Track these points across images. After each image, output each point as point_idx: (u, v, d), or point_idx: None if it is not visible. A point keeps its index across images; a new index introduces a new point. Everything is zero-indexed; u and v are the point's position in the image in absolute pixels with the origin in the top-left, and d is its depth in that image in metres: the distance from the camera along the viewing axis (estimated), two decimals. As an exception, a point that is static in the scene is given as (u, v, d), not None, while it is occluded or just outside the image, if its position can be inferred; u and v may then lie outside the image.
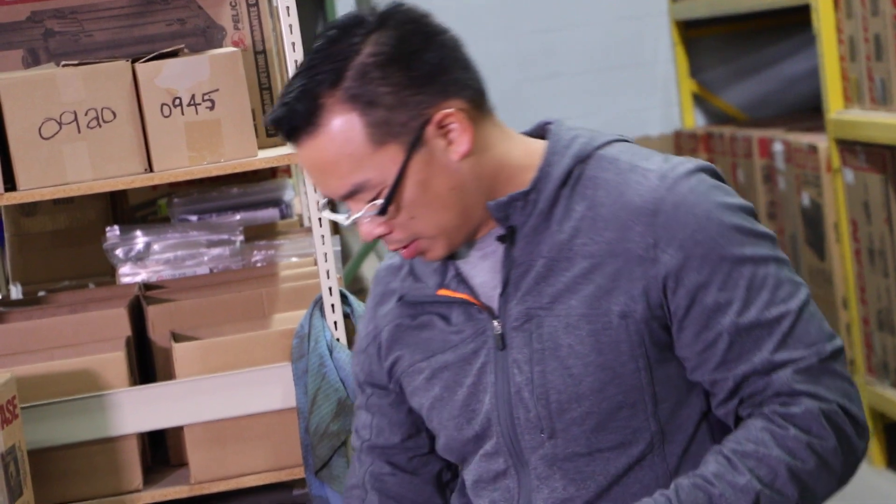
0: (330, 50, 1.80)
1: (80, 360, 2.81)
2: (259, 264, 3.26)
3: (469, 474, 1.96)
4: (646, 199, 1.81)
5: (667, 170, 1.84)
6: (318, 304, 2.85)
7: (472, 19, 5.86)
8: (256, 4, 3.04)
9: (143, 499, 2.83)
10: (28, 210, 3.56)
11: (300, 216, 3.67)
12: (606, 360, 1.82)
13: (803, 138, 4.65)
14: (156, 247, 3.24)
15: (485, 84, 1.86)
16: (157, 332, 2.93)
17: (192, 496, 2.87)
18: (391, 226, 1.84)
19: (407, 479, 2.05)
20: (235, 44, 3.04)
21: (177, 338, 2.89)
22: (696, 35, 5.95)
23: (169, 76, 2.80)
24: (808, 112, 5.50)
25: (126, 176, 2.80)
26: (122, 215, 3.65)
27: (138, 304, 3.00)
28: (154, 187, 3.66)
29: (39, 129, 2.78)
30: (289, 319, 2.92)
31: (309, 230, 3.31)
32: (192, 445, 2.84)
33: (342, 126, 1.78)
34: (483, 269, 1.90)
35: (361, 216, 1.83)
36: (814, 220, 4.59)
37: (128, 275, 3.24)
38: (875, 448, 4.39)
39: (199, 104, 2.81)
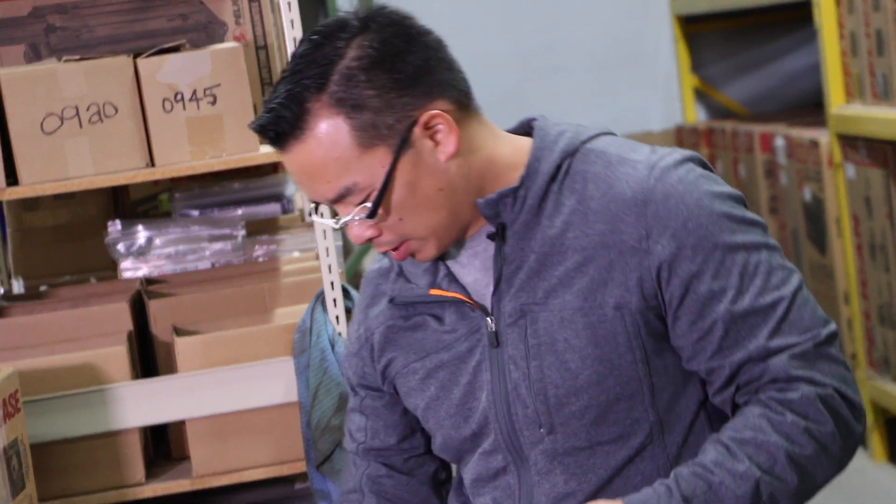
0: (314, 54, 1.80)
1: (81, 354, 2.82)
2: (261, 259, 3.26)
3: (468, 473, 1.96)
4: (636, 191, 1.82)
5: (655, 160, 1.84)
6: (320, 298, 2.85)
7: (472, 17, 5.86)
8: (258, 0, 3.05)
9: (145, 492, 2.84)
10: (30, 205, 3.57)
11: (302, 211, 3.67)
12: (603, 352, 1.83)
13: (805, 133, 4.65)
14: (157, 241, 3.25)
15: (469, 84, 1.86)
16: (159, 326, 2.93)
17: (194, 490, 2.87)
18: (381, 228, 1.84)
19: (404, 480, 2.05)
20: (237, 39, 3.04)
21: (178, 332, 2.89)
22: (697, 30, 5.95)
23: (170, 71, 2.81)
24: (810, 107, 5.50)
25: (127, 171, 2.81)
26: (124, 210, 3.65)
27: (140, 299, 3.01)
28: (155, 182, 3.67)
29: (41, 124, 2.78)
30: (290, 314, 2.92)
31: (310, 225, 3.31)
32: (193, 439, 2.84)
33: (329, 130, 1.79)
34: (474, 268, 1.90)
35: (351, 219, 1.83)
36: (815, 214, 4.59)
37: (129, 269, 3.24)
38: (876, 442, 4.39)
39: (201, 99, 2.82)
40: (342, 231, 2.32)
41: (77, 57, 2.85)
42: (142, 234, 3.24)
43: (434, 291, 1.91)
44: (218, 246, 3.27)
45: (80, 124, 2.79)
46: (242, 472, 2.85)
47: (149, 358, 2.97)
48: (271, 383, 2.83)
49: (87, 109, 2.79)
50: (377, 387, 2.02)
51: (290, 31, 2.81)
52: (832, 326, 1.84)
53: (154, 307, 2.94)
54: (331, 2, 5.45)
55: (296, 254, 3.27)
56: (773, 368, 1.81)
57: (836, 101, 4.32)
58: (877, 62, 4.10)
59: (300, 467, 2.85)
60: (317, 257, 3.01)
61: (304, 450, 2.80)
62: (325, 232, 2.83)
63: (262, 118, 1.82)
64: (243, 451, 2.84)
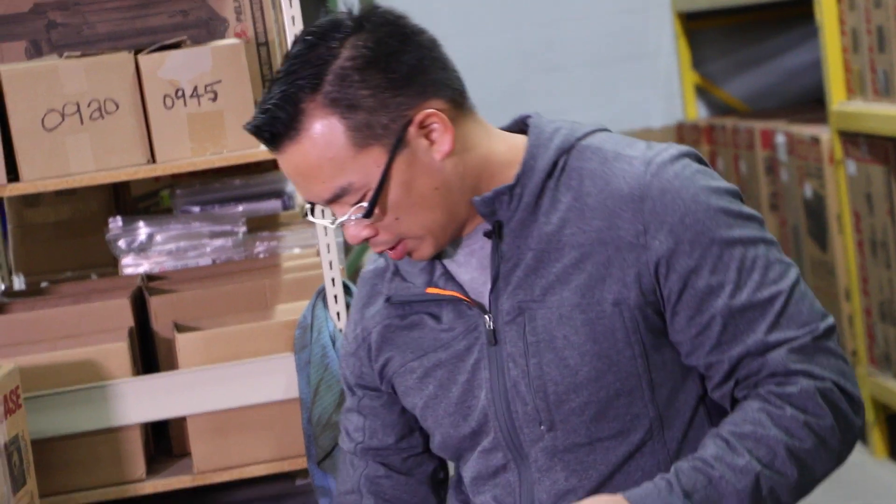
0: (308, 55, 1.80)
1: (83, 350, 2.82)
2: (261, 255, 3.26)
3: (468, 471, 1.96)
4: (632, 186, 1.82)
5: (651, 156, 1.84)
6: (321, 294, 2.86)
7: (473, 15, 5.86)
8: (259, -4, 3.05)
9: (146, 489, 2.84)
10: (31, 201, 3.57)
11: (302, 207, 3.67)
12: (602, 348, 1.83)
13: (806, 130, 4.65)
14: (158, 238, 3.25)
15: (464, 83, 1.86)
16: (160, 322, 2.93)
17: (195, 486, 2.87)
18: (377, 228, 1.84)
19: (402, 480, 2.05)
20: (238, 35, 3.04)
21: (179, 328, 2.90)
22: (698, 27, 5.95)
23: (171, 68, 2.81)
24: (811, 104, 5.50)
25: (129, 167, 2.81)
26: (125, 206, 3.66)
27: (141, 295, 3.01)
28: (156, 179, 3.67)
29: (42, 121, 2.78)
30: (291, 310, 2.93)
31: (311, 221, 3.31)
32: (194, 435, 2.84)
33: (324, 130, 1.78)
34: (470, 266, 1.90)
35: (347, 219, 1.83)
36: (816, 211, 4.60)
37: (130, 266, 3.24)
38: (877, 439, 4.39)
39: (202, 96, 2.82)
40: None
41: (78, 53, 2.85)
42: (143, 230, 3.24)
43: (431, 290, 1.90)
44: (219, 242, 3.27)
45: (81, 121, 2.79)
46: (243, 468, 2.85)
47: (150, 354, 2.97)
48: (272, 379, 2.83)
49: (88, 106, 2.79)
50: (375, 386, 2.01)
51: (291, 28, 2.81)
52: (830, 320, 1.84)
53: (155, 303, 2.94)
54: (332, -2, 5.44)
55: (297, 250, 3.27)
56: (772, 362, 1.81)
57: (837, 98, 4.32)
58: (878, 59, 4.09)
59: (301, 463, 2.85)
60: (318, 253, 3.01)
61: (304, 446, 2.81)
62: (325, 228, 2.83)
63: (257, 119, 1.82)
64: (244, 447, 2.84)
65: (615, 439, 1.86)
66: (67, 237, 3.57)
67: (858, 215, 4.31)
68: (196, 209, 3.49)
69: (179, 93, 2.80)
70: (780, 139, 4.82)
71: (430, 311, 1.92)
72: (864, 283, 4.35)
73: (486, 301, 1.88)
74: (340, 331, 2.83)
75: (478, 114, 1.88)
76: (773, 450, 1.79)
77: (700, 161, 1.88)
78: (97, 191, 3.57)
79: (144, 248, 3.24)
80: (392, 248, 1.86)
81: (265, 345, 2.84)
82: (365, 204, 1.81)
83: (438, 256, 1.91)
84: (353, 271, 4.89)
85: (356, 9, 1.84)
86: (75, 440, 2.81)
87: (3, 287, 3.60)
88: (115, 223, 3.26)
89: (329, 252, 2.84)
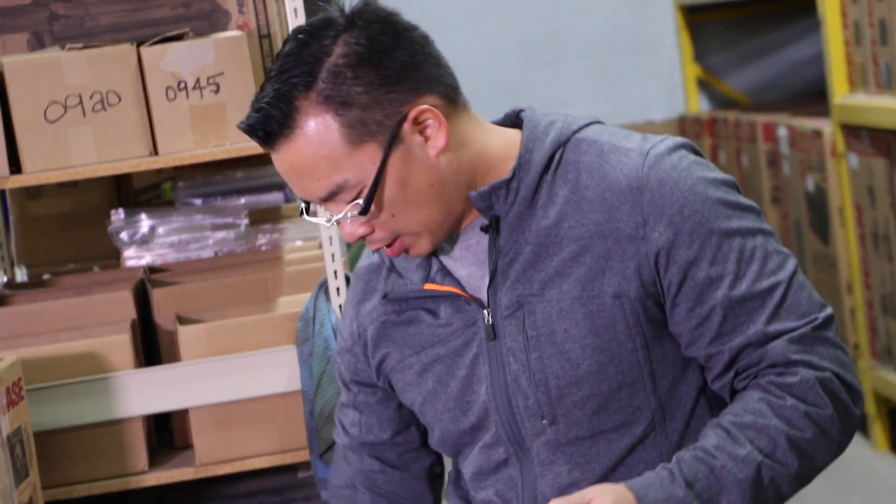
0: (301, 53, 1.80)
1: (85, 342, 2.82)
2: (264, 248, 3.26)
3: (468, 466, 1.95)
4: (630, 179, 1.82)
5: (647, 148, 1.84)
6: (323, 287, 2.86)
7: (473, 6, 5.86)
8: (261, -12, 3.04)
9: (149, 481, 2.84)
10: (33, 193, 3.57)
11: (298, 206, 3.67)
12: (603, 341, 1.83)
13: (808, 123, 4.65)
14: (160, 230, 3.25)
15: (457, 79, 1.86)
16: (162, 315, 2.93)
17: (197, 478, 2.87)
18: (373, 225, 1.83)
19: (397, 475, 2.05)
20: (240, 27, 3.04)
21: (182, 321, 2.90)
22: (700, 20, 5.94)
23: (174, 60, 2.80)
24: (813, 97, 5.50)
25: (131, 159, 2.81)
26: (127, 199, 3.65)
27: (143, 288, 3.01)
28: (158, 171, 3.67)
29: (45, 113, 2.78)
30: (293, 303, 2.92)
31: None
32: (197, 428, 2.84)
33: (318, 128, 1.78)
34: (467, 261, 1.90)
35: (343, 217, 1.83)
36: (818, 204, 4.59)
37: (132, 258, 3.24)
38: (879, 432, 4.39)
39: (204, 88, 2.81)
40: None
41: (80, 45, 2.85)
42: (145, 222, 3.24)
43: (429, 286, 1.90)
44: (221, 235, 3.28)
45: (84, 113, 2.79)
46: (245, 460, 2.86)
47: (152, 346, 2.97)
48: (274, 372, 2.83)
49: (91, 98, 2.79)
50: (371, 382, 2.01)
51: (294, 20, 2.81)
52: (829, 310, 1.85)
53: (157, 296, 2.94)
54: (334, -9, 5.44)
55: (299, 243, 3.27)
56: (772, 353, 1.81)
57: (840, 91, 4.32)
58: (880, 52, 4.09)
59: (303, 456, 2.85)
60: (320, 246, 3.01)
61: (307, 438, 2.81)
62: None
63: (251, 118, 1.82)
64: (246, 439, 2.84)
65: (617, 431, 1.86)
66: (69, 229, 3.57)
67: (860, 208, 4.31)
68: (198, 201, 3.49)
69: (182, 85, 2.80)
70: (783, 132, 4.82)
71: (427, 307, 1.92)
72: (865, 277, 4.35)
73: (484, 296, 1.88)
74: (343, 323, 2.83)
75: (471, 109, 1.88)
76: (773, 440, 1.79)
77: (696, 152, 1.88)
78: (99, 183, 3.57)
79: (146, 241, 3.25)
80: (389, 246, 1.86)
81: (267, 337, 2.84)
82: (360, 201, 1.80)
83: (434, 252, 1.91)
84: (355, 264, 4.89)
85: (348, 6, 1.84)
86: (78, 432, 2.81)
87: (5, 279, 3.59)
88: (118, 215, 3.26)
89: (331, 244, 2.84)
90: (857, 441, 4.25)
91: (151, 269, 3.15)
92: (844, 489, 4.08)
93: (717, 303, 1.81)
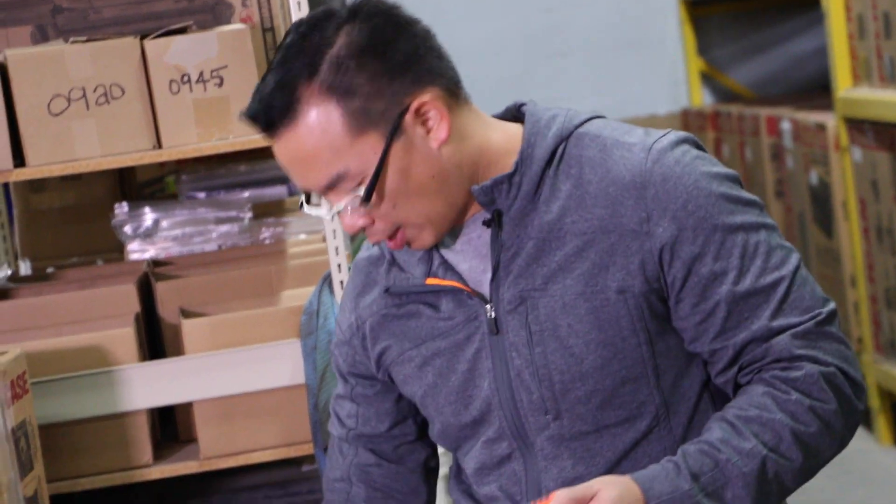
0: (303, 43, 1.80)
1: (89, 335, 2.82)
2: (267, 241, 3.26)
3: (470, 461, 1.95)
4: (634, 174, 1.82)
5: (650, 143, 1.84)
6: (327, 280, 2.85)
7: (477, 1, 5.86)
8: (265, -19, 3.04)
9: (153, 474, 2.84)
10: (36, 186, 3.57)
11: (298, 199, 3.67)
12: (607, 336, 1.83)
13: (811, 117, 4.65)
14: (164, 223, 3.25)
15: (458, 73, 1.86)
16: (166, 308, 2.93)
17: (202, 472, 2.88)
18: (373, 216, 1.83)
19: (393, 469, 2.04)
20: (244, 21, 3.04)
21: (185, 314, 2.90)
22: (703, 13, 5.94)
23: (177, 53, 2.80)
24: (817, 90, 5.50)
25: (134, 152, 2.81)
26: (130, 192, 3.66)
27: (147, 281, 3.01)
28: (161, 164, 3.67)
29: (48, 106, 2.78)
30: (297, 296, 2.93)
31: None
32: (201, 421, 2.84)
33: (320, 116, 1.78)
34: (469, 255, 1.90)
35: (344, 207, 1.82)
36: (822, 198, 4.59)
37: (136, 251, 3.24)
38: (882, 426, 4.39)
39: (208, 81, 2.81)
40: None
41: (84, 38, 2.85)
42: (149, 216, 3.24)
43: (431, 280, 1.90)
44: (224, 228, 3.28)
45: (87, 106, 2.79)
46: (249, 454, 2.86)
47: (156, 340, 2.97)
48: (278, 365, 2.83)
49: (94, 91, 2.79)
50: (369, 375, 2.01)
51: (297, 13, 2.81)
52: (832, 305, 1.85)
53: (161, 289, 2.94)
54: (337, -16, 5.44)
55: (302, 236, 3.27)
56: (777, 348, 1.81)
57: (843, 85, 4.31)
58: (884, 45, 4.09)
59: (307, 449, 2.85)
60: (323, 239, 3.01)
61: (311, 432, 2.81)
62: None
63: (253, 106, 1.82)
64: (250, 433, 2.84)
65: (621, 426, 1.86)
66: (73, 222, 3.57)
67: (864, 202, 4.31)
68: (201, 195, 3.49)
69: (185, 78, 2.80)
70: (786, 126, 4.82)
71: (427, 301, 1.91)
72: (869, 270, 4.35)
73: (486, 290, 1.88)
74: (346, 317, 2.83)
75: (473, 104, 1.88)
76: (778, 434, 1.79)
77: (698, 146, 1.88)
78: (103, 176, 3.57)
79: (150, 234, 3.25)
80: (391, 238, 1.86)
81: (271, 331, 2.85)
82: (363, 188, 1.80)
83: (436, 246, 1.91)
84: (358, 257, 4.88)
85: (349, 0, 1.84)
86: (82, 425, 2.81)
87: (9, 272, 3.59)
88: (121, 209, 3.26)
89: (335, 238, 2.84)
90: (861, 435, 4.25)
91: (155, 263, 3.15)
92: (848, 483, 4.08)
93: (721, 298, 1.81)
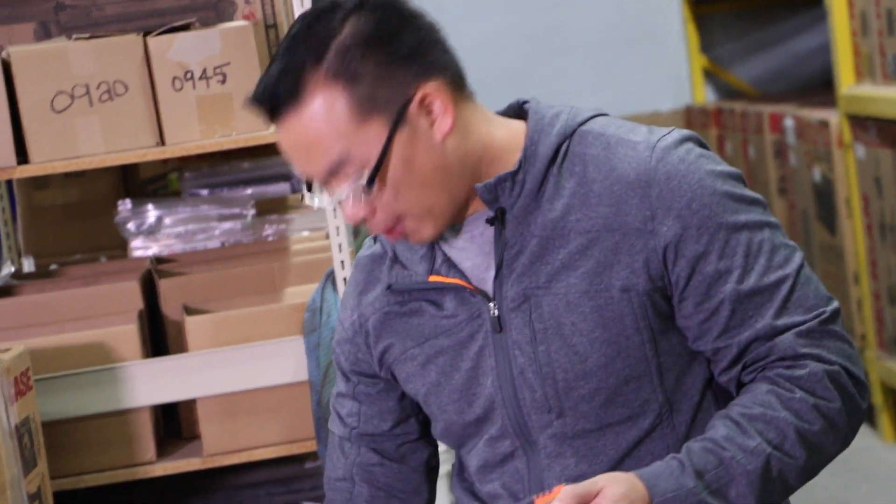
0: (309, 32, 1.80)
1: (92, 332, 2.82)
2: (270, 238, 3.27)
3: (473, 459, 1.95)
4: (638, 172, 1.82)
5: (654, 141, 1.84)
6: (330, 277, 2.86)
7: (480, -4, 5.86)
8: (268, -22, 3.04)
9: (156, 471, 2.85)
10: (40, 183, 3.57)
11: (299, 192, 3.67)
12: (611, 335, 1.83)
13: (814, 114, 4.65)
14: (167, 220, 3.25)
15: (463, 68, 1.86)
16: (169, 305, 2.94)
17: (205, 468, 2.88)
18: (375, 207, 1.83)
19: (395, 468, 2.04)
20: (246, 18, 3.04)
21: (189, 311, 2.90)
22: (706, 10, 5.94)
23: (180, 50, 2.81)
24: (820, 87, 5.50)
25: (138, 149, 2.81)
26: (134, 189, 3.66)
27: (150, 278, 3.01)
28: (164, 161, 3.67)
29: (51, 103, 2.78)
30: (300, 293, 2.93)
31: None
32: (204, 418, 2.85)
33: (325, 101, 1.78)
34: (472, 253, 1.90)
35: (346, 196, 1.82)
36: (825, 195, 4.59)
37: (139, 248, 3.25)
38: (886, 423, 4.39)
39: (211, 78, 2.82)
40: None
41: (87, 35, 2.85)
42: (152, 213, 3.25)
43: (434, 278, 1.90)
44: (228, 225, 3.28)
45: (91, 103, 2.79)
46: (252, 450, 2.86)
47: (159, 337, 2.97)
48: (281, 362, 2.83)
49: (98, 88, 2.79)
50: (372, 373, 2.00)
51: (300, 10, 2.81)
52: (835, 303, 1.85)
53: (164, 286, 2.94)
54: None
55: (305, 233, 3.27)
56: (781, 346, 1.81)
57: (846, 82, 4.31)
58: (887, 42, 4.09)
59: (310, 446, 2.86)
60: (326, 236, 3.01)
61: (314, 429, 2.81)
62: (334, 211, 2.83)
63: (258, 91, 1.81)
64: (253, 429, 2.84)
65: (625, 424, 1.86)
66: (76, 219, 3.57)
67: (867, 199, 4.31)
68: (204, 192, 3.49)
69: (188, 75, 2.80)
70: (789, 123, 4.82)
71: (430, 299, 1.91)
72: (872, 267, 4.35)
73: (489, 288, 1.88)
74: (350, 313, 2.83)
75: (477, 100, 1.88)
76: (783, 432, 1.79)
77: (702, 144, 1.88)
78: (106, 173, 3.57)
79: (153, 231, 3.25)
80: (390, 230, 1.85)
81: (274, 328, 2.85)
82: (366, 173, 1.80)
83: (438, 243, 1.91)
84: (361, 254, 4.88)
85: None
86: (85, 422, 2.81)
87: (12, 269, 3.60)
88: (125, 206, 3.26)
89: (338, 234, 2.84)
90: (864, 432, 4.25)
91: (158, 260, 3.15)
92: (851, 480, 4.08)
93: (725, 297, 1.81)
